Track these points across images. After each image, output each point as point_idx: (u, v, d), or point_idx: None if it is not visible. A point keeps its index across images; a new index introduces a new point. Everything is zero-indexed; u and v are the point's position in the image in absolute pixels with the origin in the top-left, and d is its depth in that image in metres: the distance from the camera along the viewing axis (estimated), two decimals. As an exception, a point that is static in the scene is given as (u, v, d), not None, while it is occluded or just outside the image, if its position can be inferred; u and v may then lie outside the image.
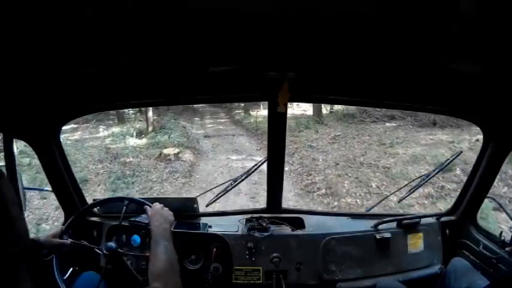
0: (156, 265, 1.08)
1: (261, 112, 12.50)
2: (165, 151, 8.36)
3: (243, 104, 13.81)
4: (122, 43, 0.91)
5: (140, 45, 0.94)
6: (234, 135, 10.94)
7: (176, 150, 8.46)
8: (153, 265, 1.08)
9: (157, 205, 1.42)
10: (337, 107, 11.54)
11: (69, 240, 1.52)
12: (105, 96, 1.48)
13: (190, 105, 16.61)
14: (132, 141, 9.91)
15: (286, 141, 1.66)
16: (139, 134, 10.76)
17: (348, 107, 10.74)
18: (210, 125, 13.66)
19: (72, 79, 1.20)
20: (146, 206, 1.45)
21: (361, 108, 10.46)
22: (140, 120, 12.33)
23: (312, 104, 10.90)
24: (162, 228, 1.24)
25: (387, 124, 9.95)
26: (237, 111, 15.17)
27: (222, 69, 1.20)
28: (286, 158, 1.85)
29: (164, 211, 1.37)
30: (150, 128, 11.01)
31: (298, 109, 12.95)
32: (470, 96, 1.38)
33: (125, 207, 1.59)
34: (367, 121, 10.48)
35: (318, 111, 11.55)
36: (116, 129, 11.42)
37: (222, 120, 14.78)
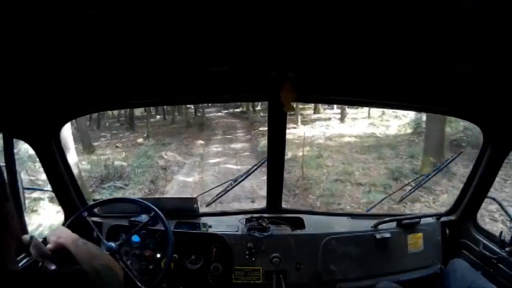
0: (84, 256, 1.11)
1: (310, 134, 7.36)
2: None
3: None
4: (122, 43, 0.91)
5: (140, 45, 0.94)
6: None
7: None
8: (82, 258, 1.10)
9: (51, 234, 1.28)
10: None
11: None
12: (105, 96, 1.48)
13: (197, 121, 12.90)
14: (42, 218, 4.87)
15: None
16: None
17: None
18: (215, 159, 7.77)
19: (72, 79, 1.20)
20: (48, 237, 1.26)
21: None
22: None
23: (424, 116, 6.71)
24: (69, 241, 1.20)
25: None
26: (260, 129, 9.55)
27: (222, 69, 1.20)
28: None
29: (58, 231, 1.27)
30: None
31: (379, 127, 8.34)
32: (470, 96, 1.38)
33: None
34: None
35: (438, 146, 5.83)
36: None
37: (238, 146, 8.93)
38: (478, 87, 1.25)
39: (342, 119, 10.74)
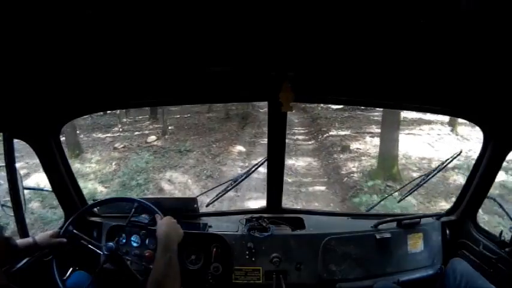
0: (157, 274, 1.14)
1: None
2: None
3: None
4: (122, 43, 0.91)
5: (140, 45, 0.94)
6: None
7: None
8: (154, 273, 1.15)
9: (169, 218, 1.45)
10: None
11: (66, 240, 1.48)
12: (105, 96, 1.48)
13: (241, 109, 9.48)
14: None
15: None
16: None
17: None
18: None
19: (72, 79, 1.20)
20: (157, 215, 1.49)
21: None
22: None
23: None
24: (170, 240, 1.30)
25: None
26: (331, 134, 6.09)
27: (222, 69, 1.20)
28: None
29: (175, 224, 1.41)
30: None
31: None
32: (470, 96, 1.38)
33: (133, 209, 1.61)
34: None
35: None
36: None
37: (301, 164, 5.38)
38: (478, 87, 1.25)
39: (453, 127, 6.39)
